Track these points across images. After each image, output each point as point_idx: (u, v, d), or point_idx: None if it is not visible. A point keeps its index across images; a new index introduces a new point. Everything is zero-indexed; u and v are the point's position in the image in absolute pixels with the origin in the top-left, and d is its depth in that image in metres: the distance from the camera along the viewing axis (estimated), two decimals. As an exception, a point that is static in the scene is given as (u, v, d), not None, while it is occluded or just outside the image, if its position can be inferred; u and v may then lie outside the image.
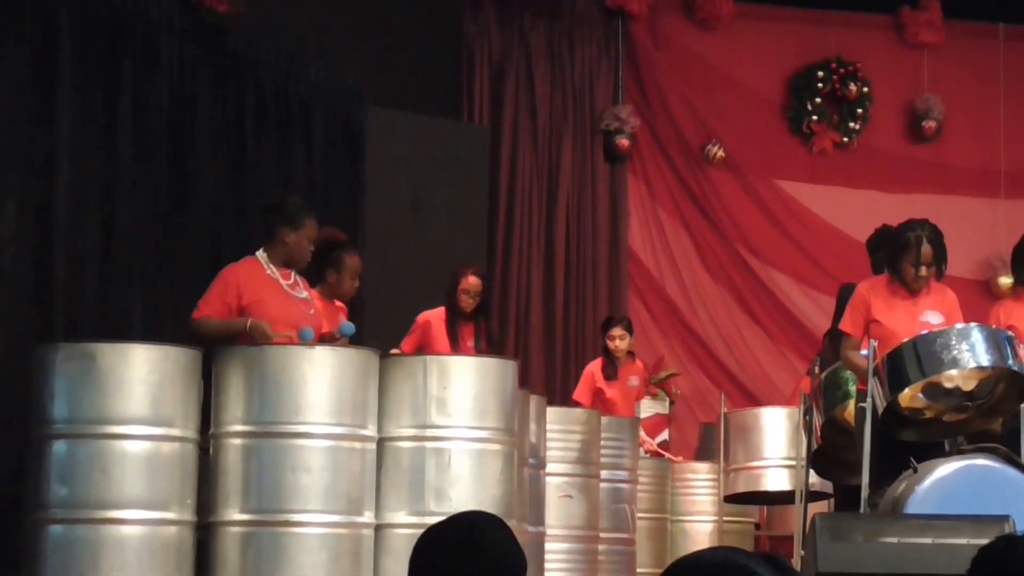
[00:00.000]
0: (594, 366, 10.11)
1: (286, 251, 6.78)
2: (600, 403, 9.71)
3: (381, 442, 6.28)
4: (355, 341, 7.04)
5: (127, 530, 5.97)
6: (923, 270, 7.13)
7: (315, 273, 7.71)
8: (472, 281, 8.67)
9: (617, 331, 10.03)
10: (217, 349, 6.28)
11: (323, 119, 9.88)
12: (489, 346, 8.68)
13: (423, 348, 8.50)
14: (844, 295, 8.47)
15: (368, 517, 6.21)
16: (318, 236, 7.32)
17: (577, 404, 9.70)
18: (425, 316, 8.75)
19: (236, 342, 6.45)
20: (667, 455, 10.71)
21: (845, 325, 7.29)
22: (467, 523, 3.02)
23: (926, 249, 7.12)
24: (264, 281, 6.74)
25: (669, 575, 2.49)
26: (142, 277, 8.45)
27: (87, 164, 8.13)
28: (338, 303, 7.77)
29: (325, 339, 6.78)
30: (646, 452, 10.35)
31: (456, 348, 8.47)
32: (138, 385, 6.00)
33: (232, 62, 9.17)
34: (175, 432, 6.08)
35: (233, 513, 6.10)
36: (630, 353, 10.18)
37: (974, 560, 3.15)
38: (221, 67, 9.08)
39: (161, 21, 8.64)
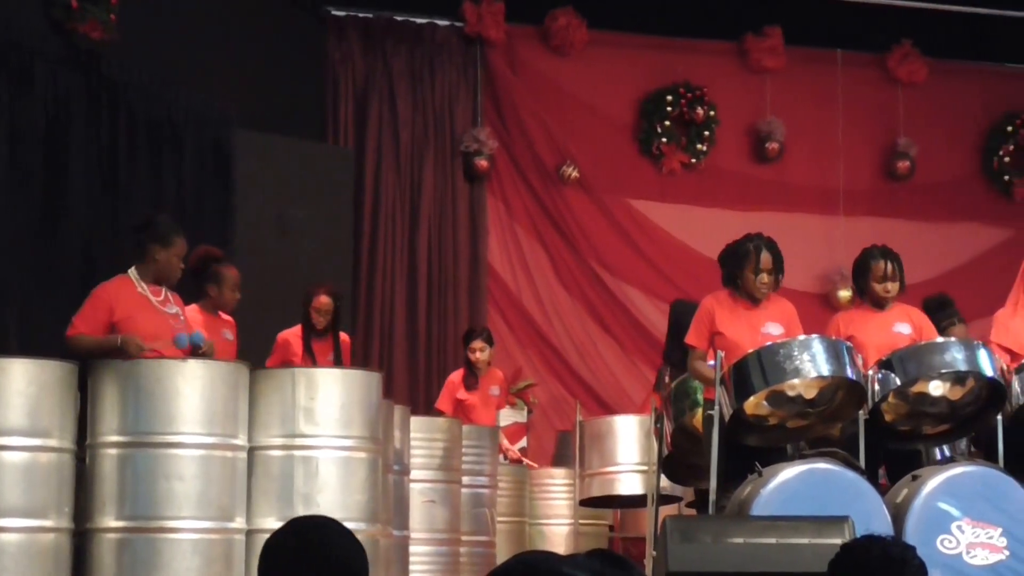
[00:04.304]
0: (456, 376, 10.12)
1: (156, 268, 6.84)
2: (461, 412, 9.76)
3: (252, 451, 6.39)
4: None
5: (6, 537, 6.04)
6: (764, 276, 7.28)
7: (194, 289, 7.82)
8: (323, 300, 8.81)
9: (478, 343, 10.05)
10: (92, 363, 6.33)
11: (193, 141, 9.88)
12: (338, 363, 8.70)
13: (286, 365, 8.53)
14: (678, 310, 8.69)
15: (239, 523, 6.32)
16: (194, 253, 7.50)
17: (440, 413, 9.73)
18: (284, 335, 8.88)
19: (110, 357, 6.48)
20: (526, 461, 10.76)
21: (691, 338, 7.37)
22: (307, 529, 3.07)
23: (765, 256, 7.29)
24: (135, 298, 6.79)
25: None
26: (19, 294, 8.40)
27: (-36, 185, 8.07)
28: (224, 316, 7.96)
29: (197, 352, 6.83)
30: (508, 459, 10.50)
31: (313, 364, 8.54)
32: (16, 397, 6.07)
33: (105, 87, 9.11)
34: (52, 443, 6.14)
35: (109, 520, 6.20)
36: (489, 364, 10.20)
37: (832, 561, 3.27)
38: (94, 91, 9.03)
39: (35, 47, 8.59)
